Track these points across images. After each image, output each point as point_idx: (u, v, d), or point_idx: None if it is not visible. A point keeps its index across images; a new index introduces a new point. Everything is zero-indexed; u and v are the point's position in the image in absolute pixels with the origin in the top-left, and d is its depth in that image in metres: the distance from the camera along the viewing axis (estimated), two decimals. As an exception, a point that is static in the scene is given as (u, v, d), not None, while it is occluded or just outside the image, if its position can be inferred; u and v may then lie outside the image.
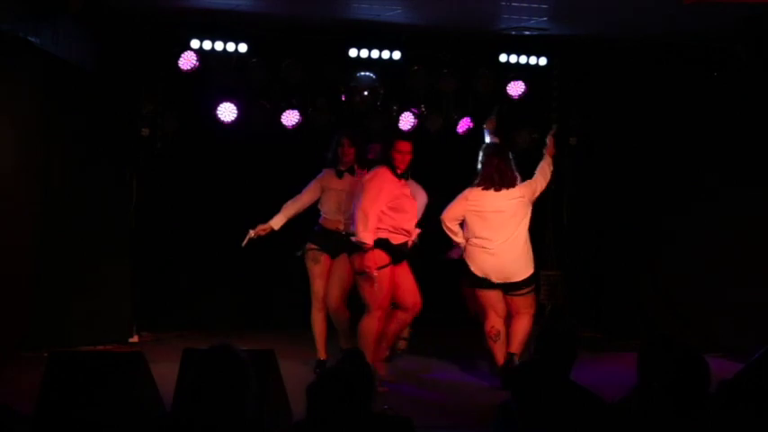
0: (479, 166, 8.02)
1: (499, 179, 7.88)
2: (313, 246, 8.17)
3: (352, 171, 8.18)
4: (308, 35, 9.34)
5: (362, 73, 9.69)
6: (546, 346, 4.80)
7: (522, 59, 10.04)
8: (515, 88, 9.93)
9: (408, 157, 7.77)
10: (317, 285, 8.17)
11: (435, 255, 8.58)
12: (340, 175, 8.18)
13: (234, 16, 8.71)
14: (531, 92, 10.04)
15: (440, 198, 8.26)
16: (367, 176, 7.74)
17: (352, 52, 9.60)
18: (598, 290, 10.35)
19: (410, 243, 7.84)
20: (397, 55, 9.68)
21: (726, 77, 9.18)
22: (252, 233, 8.10)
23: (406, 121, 9.81)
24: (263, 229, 8.14)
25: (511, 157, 8.07)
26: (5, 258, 7.94)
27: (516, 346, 7.83)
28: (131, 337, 9.39)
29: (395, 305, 7.80)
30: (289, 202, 8.26)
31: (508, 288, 7.90)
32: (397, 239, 7.68)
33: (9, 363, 7.94)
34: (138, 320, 9.47)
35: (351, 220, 7.80)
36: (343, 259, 8.02)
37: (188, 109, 9.50)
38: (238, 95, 9.40)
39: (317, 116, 9.62)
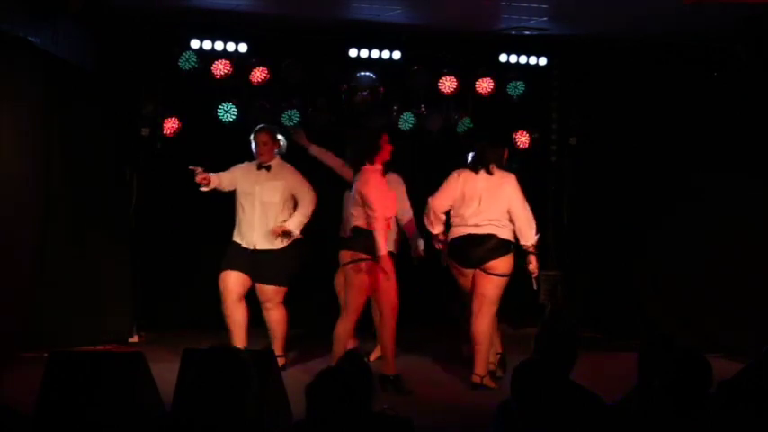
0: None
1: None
2: (362, 254, 7.61)
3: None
4: (308, 35, 9.34)
5: (362, 73, 9.70)
6: (546, 346, 4.80)
7: (522, 59, 10.06)
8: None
9: None
10: (360, 300, 7.70)
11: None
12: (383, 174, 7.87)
13: (234, 16, 8.71)
14: (531, 92, 10.05)
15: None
16: (513, 182, 7.82)
17: (352, 52, 9.61)
18: (598, 290, 10.34)
19: None
20: (397, 55, 9.69)
21: (726, 77, 9.18)
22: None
23: (406, 121, 9.84)
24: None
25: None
26: (6, 258, 7.93)
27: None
28: (131, 337, 9.39)
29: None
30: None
31: None
32: None
33: (9, 363, 7.93)
34: (138, 320, 9.47)
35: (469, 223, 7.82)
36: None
37: (188, 109, 9.52)
38: (238, 95, 9.42)
39: (317, 116, 9.63)
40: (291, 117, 9.31)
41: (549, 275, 9.78)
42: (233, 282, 8.30)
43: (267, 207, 8.27)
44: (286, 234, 8.22)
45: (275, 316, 8.32)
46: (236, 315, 8.30)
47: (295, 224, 8.24)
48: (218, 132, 9.55)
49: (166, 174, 9.66)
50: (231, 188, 8.42)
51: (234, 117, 9.41)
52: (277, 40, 9.37)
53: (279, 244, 8.27)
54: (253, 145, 8.42)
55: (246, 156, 9.18)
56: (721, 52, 9.02)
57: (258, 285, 8.32)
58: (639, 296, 9.88)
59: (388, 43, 9.60)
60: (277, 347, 8.22)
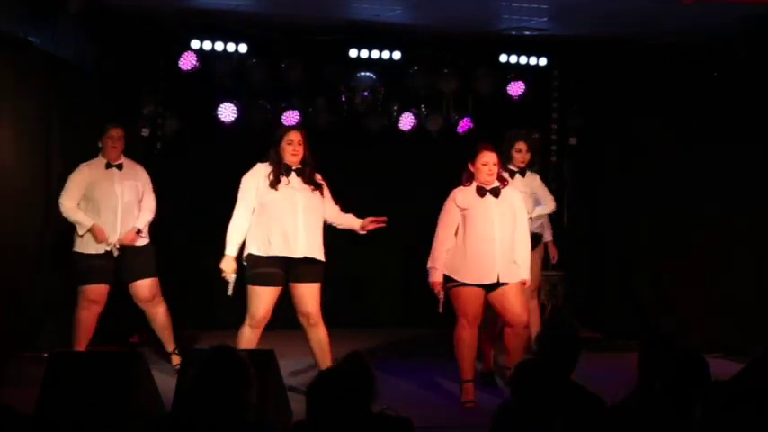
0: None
1: None
2: None
3: None
4: (308, 35, 9.35)
5: (362, 73, 9.70)
6: (549, 347, 4.79)
7: (523, 60, 10.06)
8: (516, 88, 9.98)
9: None
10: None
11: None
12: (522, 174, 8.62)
13: (234, 16, 8.71)
14: (531, 92, 10.05)
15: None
16: None
17: (352, 52, 9.61)
18: (598, 290, 10.34)
19: None
20: (397, 55, 9.69)
21: (726, 77, 9.18)
22: None
23: (406, 121, 9.83)
24: None
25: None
26: (6, 258, 7.94)
27: None
28: (131, 337, 9.38)
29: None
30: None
31: None
32: None
33: (9, 363, 7.93)
34: (138, 320, 9.45)
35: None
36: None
37: (188, 109, 9.51)
38: (238, 95, 9.41)
39: (317, 116, 9.63)
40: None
41: (549, 275, 9.78)
42: None
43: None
44: None
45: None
46: None
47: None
48: (218, 132, 9.56)
49: (167, 174, 9.66)
50: None
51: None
52: (277, 40, 9.37)
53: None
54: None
55: (247, 156, 9.20)
56: (721, 52, 9.01)
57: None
58: (639, 296, 9.88)
59: (388, 43, 9.60)
60: None
